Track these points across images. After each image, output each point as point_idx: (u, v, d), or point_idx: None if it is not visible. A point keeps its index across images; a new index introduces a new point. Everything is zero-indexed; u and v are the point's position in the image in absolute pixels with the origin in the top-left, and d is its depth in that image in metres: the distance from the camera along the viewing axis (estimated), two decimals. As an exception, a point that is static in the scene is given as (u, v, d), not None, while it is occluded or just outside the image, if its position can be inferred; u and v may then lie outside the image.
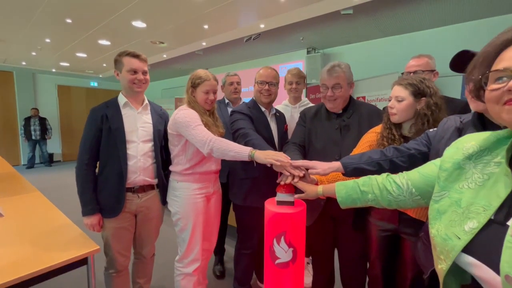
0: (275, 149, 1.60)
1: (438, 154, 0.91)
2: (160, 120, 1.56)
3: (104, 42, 4.07)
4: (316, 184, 1.11)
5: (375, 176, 0.89)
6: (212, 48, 4.25)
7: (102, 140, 1.38)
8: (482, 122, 0.90)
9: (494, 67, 0.53)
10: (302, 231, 1.12)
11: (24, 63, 5.93)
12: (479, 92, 0.58)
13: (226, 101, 2.16)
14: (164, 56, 4.84)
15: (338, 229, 1.47)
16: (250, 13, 2.95)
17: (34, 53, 4.94)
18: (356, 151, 1.29)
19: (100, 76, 7.29)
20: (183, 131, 1.36)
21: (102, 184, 1.39)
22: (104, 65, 5.80)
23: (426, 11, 2.95)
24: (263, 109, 1.65)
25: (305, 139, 1.50)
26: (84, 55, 4.98)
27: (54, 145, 7.34)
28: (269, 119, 1.66)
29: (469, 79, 0.62)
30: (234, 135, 1.52)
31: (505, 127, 0.60)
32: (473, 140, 0.66)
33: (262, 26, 3.26)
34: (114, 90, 8.28)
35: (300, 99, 2.01)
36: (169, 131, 1.46)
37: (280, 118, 1.75)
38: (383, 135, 1.21)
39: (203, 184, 1.49)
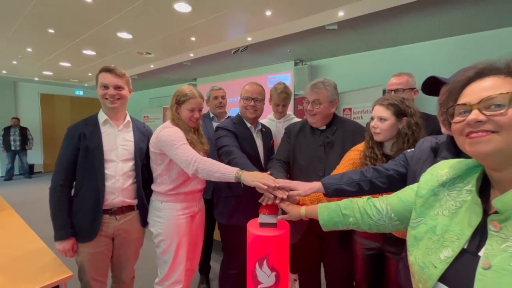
0: (260, 165, 1.58)
1: (415, 175, 0.93)
2: (143, 138, 1.51)
3: (89, 52, 4.00)
4: (298, 203, 1.10)
5: (357, 199, 0.88)
6: (200, 59, 4.25)
7: (79, 159, 1.32)
8: (455, 145, 0.92)
9: (458, 102, 0.56)
10: (286, 254, 1.10)
11: (4, 71, 5.74)
12: (449, 125, 0.60)
13: (211, 115, 2.14)
14: (152, 66, 4.80)
15: (324, 247, 1.46)
16: (237, 27, 2.97)
17: (15, 62, 4.79)
18: (339, 168, 1.30)
19: (86, 85, 7.13)
20: (167, 150, 1.31)
21: (77, 206, 1.32)
22: (90, 74, 5.68)
23: (407, 27, 3.06)
24: (248, 125, 1.63)
25: (289, 155, 1.50)
26: (68, 65, 4.87)
27: (35, 156, 7.06)
28: (254, 135, 1.64)
29: (439, 110, 0.64)
30: (219, 152, 1.50)
31: None
32: (446, 168, 0.68)
33: (249, 39, 3.29)
34: (100, 99, 8.10)
35: (285, 114, 2.02)
36: (151, 149, 1.41)
37: (266, 133, 1.73)
38: (365, 155, 1.22)
39: (188, 204, 1.44)
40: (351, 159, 1.28)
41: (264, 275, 1.05)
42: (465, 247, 0.55)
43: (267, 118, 2.05)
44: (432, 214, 0.64)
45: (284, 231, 1.08)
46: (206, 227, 1.68)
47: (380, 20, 2.83)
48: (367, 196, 0.88)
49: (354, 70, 4.23)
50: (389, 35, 3.32)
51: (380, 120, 1.17)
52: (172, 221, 1.39)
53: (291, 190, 1.07)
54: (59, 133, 7.41)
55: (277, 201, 1.07)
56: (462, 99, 0.55)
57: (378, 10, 2.44)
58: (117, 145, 1.40)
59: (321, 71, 4.59)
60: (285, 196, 1.06)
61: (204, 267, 2.24)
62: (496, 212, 0.52)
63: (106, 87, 1.36)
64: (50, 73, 5.77)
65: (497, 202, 0.52)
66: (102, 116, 1.41)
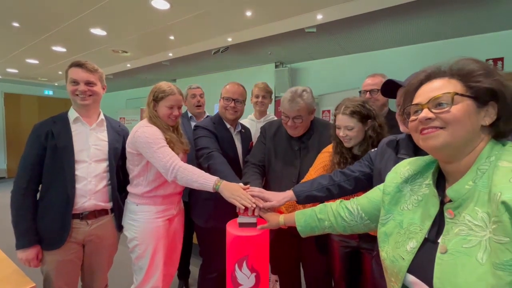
0: (239, 168, 1.56)
1: (380, 173, 0.98)
2: (118, 137, 1.44)
3: (58, 48, 3.76)
4: (275, 211, 1.14)
5: (330, 203, 0.93)
6: (179, 59, 4.16)
7: (46, 160, 1.22)
8: (413, 142, 0.99)
9: (412, 102, 0.62)
10: (266, 254, 1.09)
11: (-39, 68, 5.26)
12: (406, 120, 0.66)
13: (189, 115, 2.09)
14: (128, 65, 4.62)
15: (302, 247, 1.47)
16: (217, 27, 2.94)
17: (-27, 58, 4.41)
18: (312, 170, 1.33)
19: (56, 84, 6.72)
20: (144, 152, 1.25)
21: (43, 211, 1.23)
22: (60, 72, 5.36)
23: (381, 33, 3.21)
24: (228, 126, 1.60)
25: (264, 158, 1.49)
26: (36, 62, 4.55)
27: (-2, 160, 6.53)
28: (234, 136, 1.62)
29: (398, 110, 0.69)
30: (198, 153, 1.46)
31: None
32: (408, 165, 0.73)
33: (229, 39, 3.28)
34: (72, 99, 7.66)
35: (266, 114, 2.02)
36: (128, 149, 1.34)
37: (245, 134, 1.71)
38: (334, 162, 1.26)
39: (165, 206, 1.38)
40: (323, 161, 1.31)
41: (244, 276, 1.03)
42: (427, 236, 0.60)
43: (248, 118, 2.04)
44: (399, 209, 0.69)
45: (264, 231, 1.07)
46: (185, 230, 1.63)
47: (355, 26, 2.94)
48: (340, 200, 0.93)
49: (332, 73, 4.35)
50: (364, 40, 3.46)
51: (347, 129, 1.20)
52: (148, 225, 1.33)
53: (265, 200, 1.10)
54: (25, 136, 6.71)
55: (255, 212, 1.08)
56: (415, 100, 0.62)
57: (354, 15, 2.53)
58: (89, 144, 1.32)
59: (300, 73, 4.67)
60: (261, 205, 1.08)
61: (183, 272, 2.18)
62: (450, 201, 0.57)
63: (76, 82, 1.28)
64: (15, 71, 5.37)
65: (449, 191, 0.57)
66: (72, 114, 1.32)
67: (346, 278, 1.34)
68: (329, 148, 1.34)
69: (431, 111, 0.57)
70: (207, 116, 1.99)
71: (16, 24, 2.91)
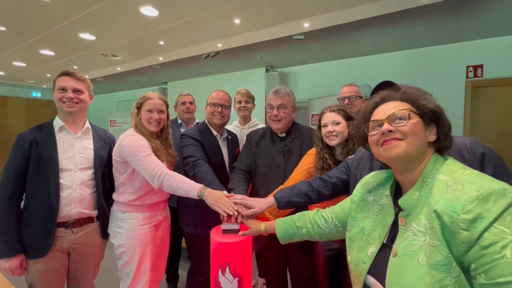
0: (226, 174, 1.60)
1: (356, 179, 1.02)
2: (104, 145, 1.45)
3: (46, 52, 3.72)
4: (258, 217, 1.18)
5: (308, 212, 0.99)
6: (170, 63, 4.16)
7: (29, 168, 1.23)
8: None
9: (371, 119, 0.70)
10: (248, 259, 1.12)
11: None
12: (364, 141, 0.75)
13: (179, 121, 2.12)
14: (118, 69, 4.59)
15: (288, 251, 1.51)
16: (206, 33, 2.97)
17: (-42, 60, 4.31)
18: (297, 171, 1.38)
19: (44, 86, 6.61)
20: (131, 160, 1.27)
21: (27, 220, 1.23)
22: (48, 75, 5.28)
23: (366, 40, 3.31)
24: (215, 133, 1.64)
25: (250, 163, 1.54)
26: (23, 65, 4.48)
27: (-18, 164, 6.36)
28: (220, 143, 1.65)
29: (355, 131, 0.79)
30: (184, 161, 1.49)
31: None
32: (372, 177, 0.81)
33: (219, 45, 3.31)
34: (61, 102, 7.52)
35: (250, 120, 2.07)
36: (114, 157, 1.36)
37: (232, 141, 1.75)
38: (317, 168, 1.31)
39: (151, 213, 1.40)
40: (307, 163, 1.37)
41: (227, 281, 1.07)
42: (384, 242, 0.67)
43: (233, 125, 2.08)
44: (362, 217, 0.76)
45: (246, 237, 1.10)
46: (174, 235, 1.65)
47: (342, 33, 3.02)
48: (317, 208, 0.99)
49: (322, 78, 4.43)
50: (351, 46, 3.55)
51: (335, 124, 1.28)
52: (135, 232, 1.35)
53: (248, 207, 1.13)
54: (12, 139, 6.64)
55: (238, 219, 1.12)
56: (374, 117, 0.70)
57: (340, 23, 2.60)
58: (74, 153, 1.33)
59: (291, 77, 4.74)
60: (243, 213, 1.12)
61: (172, 276, 2.19)
62: (402, 210, 0.64)
63: (64, 90, 1.30)
64: (2, 73, 5.26)
65: (401, 201, 0.65)
66: (58, 123, 1.34)
67: (329, 279, 1.39)
68: (313, 150, 1.40)
69: (391, 125, 0.64)
70: (197, 123, 2.02)
71: (2, 28, 2.87)
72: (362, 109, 0.77)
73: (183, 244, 2.13)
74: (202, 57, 3.77)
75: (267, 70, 4.77)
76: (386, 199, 0.72)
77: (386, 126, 0.65)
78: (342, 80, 4.18)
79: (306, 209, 1.12)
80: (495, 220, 0.47)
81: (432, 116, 0.66)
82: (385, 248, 0.65)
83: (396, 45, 3.51)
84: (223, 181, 1.47)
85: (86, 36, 3.07)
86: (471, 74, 3.41)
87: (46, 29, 2.87)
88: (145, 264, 1.37)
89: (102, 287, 1.76)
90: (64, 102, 1.30)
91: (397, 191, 0.72)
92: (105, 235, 1.41)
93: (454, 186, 0.55)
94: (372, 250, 0.67)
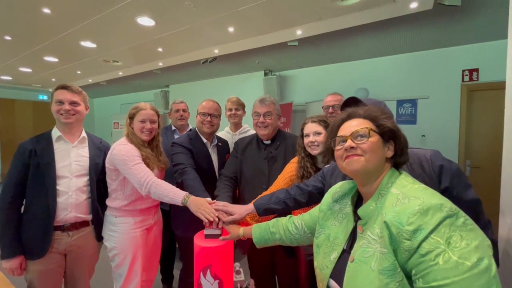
0: (215, 180, 1.66)
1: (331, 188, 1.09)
2: (99, 153, 1.54)
3: (51, 58, 3.86)
4: (240, 222, 1.25)
5: (282, 218, 1.05)
6: (169, 68, 4.27)
7: (29, 176, 1.33)
8: None
9: (338, 134, 0.77)
10: (228, 263, 1.19)
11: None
12: (332, 155, 0.80)
13: (173, 128, 2.20)
14: (120, 73, 4.72)
15: (275, 255, 1.58)
16: (202, 40, 3.06)
17: (-33, 66, 4.49)
18: (280, 178, 1.43)
19: (50, 90, 6.79)
20: (121, 168, 1.36)
21: (27, 223, 1.32)
22: (53, 79, 5.44)
23: (362, 44, 3.35)
24: (204, 140, 1.71)
25: (237, 169, 1.61)
26: (29, 70, 4.64)
27: (-9, 165, 6.57)
28: (210, 150, 1.72)
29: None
30: (174, 168, 1.57)
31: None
32: (339, 187, 0.87)
33: (216, 51, 3.39)
34: (67, 104, 7.70)
35: (241, 126, 2.14)
36: (106, 165, 1.44)
37: (222, 147, 1.82)
38: (298, 176, 1.37)
39: (143, 217, 1.49)
40: (290, 171, 1.43)
41: (208, 283, 1.14)
42: (344, 247, 0.73)
43: (224, 131, 2.16)
44: (329, 224, 0.82)
45: (226, 242, 1.17)
46: (168, 237, 1.73)
47: (336, 38, 3.07)
48: (289, 215, 1.05)
49: (319, 81, 4.48)
50: (346, 50, 3.59)
51: (316, 135, 1.34)
52: (127, 235, 1.43)
53: (228, 214, 1.20)
54: (19, 140, 6.85)
55: (219, 225, 1.19)
56: (340, 133, 0.76)
57: (332, 30, 2.65)
58: (71, 161, 1.42)
59: (289, 81, 4.79)
60: (224, 219, 1.18)
61: (167, 277, 2.27)
62: (361, 219, 0.70)
63: (61, 102, 1.39)
64: (9, 78, 5.44)
65: (360, 210, 0.71)
66: (55, 133, 1.43)
67: (310, 282, 1.45)
68: (297, 159, 1.45)
69: (354, 142, 0.71)
70: (190, 130, 2.10)
71: (8, 38, 3.01)
72: (331, 124, 0.83)
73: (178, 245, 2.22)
74: (201, 62, 3.86)
75: (265, 74, 4.83)
76: (349, 208, 0.78)
77: (349, 142, 0.71)
78: (339, 84, 4.27)
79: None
80: (432, 231, 0.53)
81: (390, 134, 0.72)
82: (345, 254, 0.71)
83: (392, 49, 3.53)
84: (213, 187, 1.55)
85: (87, 44, 3.19)
86: (466, 78, 3.42)
87: (49, 38, 3.00)
88: (137, 265, 1.45)
89: (97, 287, 1.85)
90: (61, 114, 1.39)
91: (359, 201, 0.78)
92: (99, 238, 1.50)
93: (402, 199, 0.61)
94: (335, 255, 0.73)
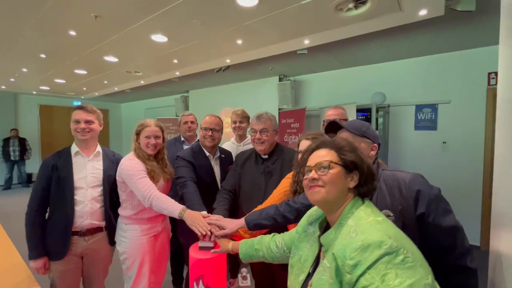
0: (217, 191, 1.73)
1: None
2: (112, 166, 1.69)
3: (80, 71, 4.24)
4: (233, 236, 1.31)
5: (266, 235, 1.10)
6: (186, 76, 4.47)
7: (51, 187, 1.51)
8: None
9: (307, 164, 0.80)
10: (221, 274, 1.27)
11: (3, 87, 6.00)
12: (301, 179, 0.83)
13: (182, 139, 2.34)
14: (142, 82, 5.02)
15: (273, 265, 1.63)
16: (213, 52, 3.18)
17: (12, 79, 5.05)
18: (275, 193, 1.47)
19: (82, 97, 7.39)
20: (127, 181, 1.49)
21: (50, 228, 1.50)
22: (84, 88, 5.93)
23: (375, 49, 3.26)
24: (207, 153, 1.80)
25: (236, 183, 1.68)
26: (63, 81, 5.12)
27: (33, 164, 7.24)
28: (213, 163, 1.82)
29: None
30: (176, 181, 1.68)
31: None
32: (314, 211, 0.91)
33: (228, 61, 3.50)
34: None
35: (245, 137, 2.22)
36: (116, 177, 1.58)
37: (225, 159, 1.90)
38: (291, 190, 1.40)
39: (150, 225, 1.61)
40: (285, 187, 1.46)
41: (200, 292, 1.23)
42: (310, 271, 0.77)
43: (230, 141, 2.25)
44: (302, 246, 0.86)
45: (218, 255, 1.25)
46: (178, 242, 1.84)
47: (347, 44, 3.03)
48: (273, 234, 1.10)
49: (334, 86, 4.41)
50: (360, 55, 3.52)
51: None
52: (135, 241, 1.56)
53: (221, 228, 1.26)
54: (57, 142, 7.63)
55: (212, 238, 1.26)
56: (308, 163, 0.80)
57: (339, 39, 2.63)
58: (87, 173, 1.59)
59: (303, 85, 4.77)
60: (216, 233, 1.25)
61: (178, 279, 2.41)
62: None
63: (78, 122, 1.56)
64: (47, 88, 6.02)
65: (322, 238, 0.75)
66: (74, 148, 1.61)
67: None
68: (291, 174, 1.48)
69: (317, 173, 0.74)
70: (198, 140, 2.22)
71: (42, 56, 3.37)
72: (304, 151, 0.86)
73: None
74: (215, 71, 4.00)
75: (280, 79, 4.86)
76: (317, 233, 0.82)
77: (312, 173, 0.75)
78: (355, 88, 4.19)
79: (284, 229, 1.23)
80: (369, 267, 0.57)
81: (353, 166, 0.74)
82: (309, 277, 0.75)
83: (409, 52, 3.40)
84: (215, 198, 1.63)
85: (110, 58, 3.47)
86: (493, 81, 3.20)
87: (76, 55, 3.32)
88: (145, 269, 1.58)
89: (111, 287, 2.03)
90: (78, 132, 1.57)
91: (328, 227, 0.80)
92: (112, 242, 1.66)
93: (352, 233, 0.64)
94: (302, 277, 0.77)
